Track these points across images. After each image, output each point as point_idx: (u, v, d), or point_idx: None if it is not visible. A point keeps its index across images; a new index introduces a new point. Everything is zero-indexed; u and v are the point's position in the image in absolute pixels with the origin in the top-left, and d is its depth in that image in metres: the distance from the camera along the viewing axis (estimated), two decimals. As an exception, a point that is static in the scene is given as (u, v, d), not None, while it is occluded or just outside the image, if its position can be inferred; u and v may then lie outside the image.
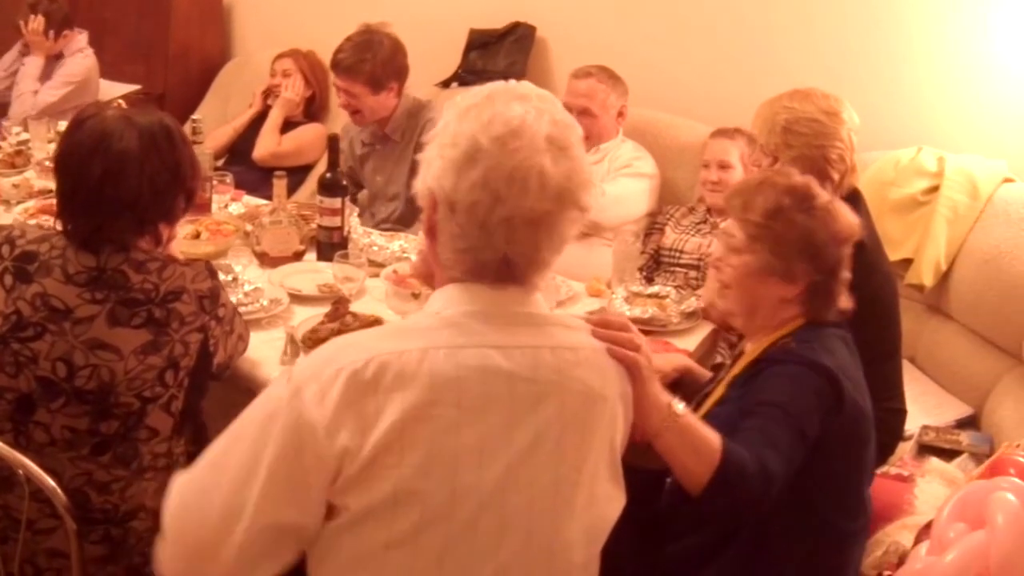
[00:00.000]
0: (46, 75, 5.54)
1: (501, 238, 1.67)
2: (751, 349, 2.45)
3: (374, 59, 4.18)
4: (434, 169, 1.71)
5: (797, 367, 2.28)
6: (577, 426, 1.74)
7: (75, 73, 5.55)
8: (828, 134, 2.96)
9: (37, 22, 5.44)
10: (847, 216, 2.40)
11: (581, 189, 1.70)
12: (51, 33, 5.53)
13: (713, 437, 1.97)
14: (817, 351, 2.31)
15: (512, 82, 1.78)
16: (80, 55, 5.61)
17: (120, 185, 2.37)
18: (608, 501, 1.84)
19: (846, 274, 2.40)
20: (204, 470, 1.72)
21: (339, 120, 5.36)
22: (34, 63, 5.48)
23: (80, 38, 5.64)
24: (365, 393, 1.62)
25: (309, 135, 5.28)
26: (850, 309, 2.45)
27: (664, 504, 2.48)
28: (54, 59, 5.60)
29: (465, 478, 1.65)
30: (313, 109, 5.48)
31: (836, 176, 2.98)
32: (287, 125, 5.29)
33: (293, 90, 5.31)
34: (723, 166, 4.06)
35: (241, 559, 1.67)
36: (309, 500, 1.65)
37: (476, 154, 1.66)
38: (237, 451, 1.68)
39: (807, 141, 2.95)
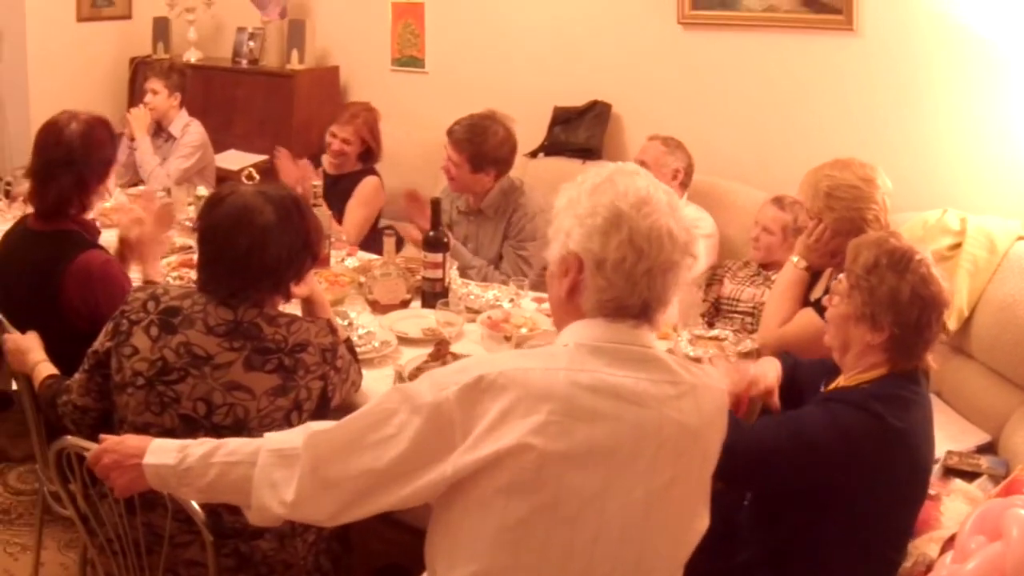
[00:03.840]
0: (158, 150, 5.50)
1: (644, 286, 1.77)
2: (840, 381, 2.47)
3: (482, 143, 4.17)
4: (577, 237, 1.80)
5: (850, 408, 2.31)
6: (671, 450, 1.78)
7: (195, 141, 5.56)
8: (865, 198, 3.01)
9: (157, 99, 5.49)
10: (940, 284, 2.37)
11: (693, 241, 1.83)
12: (175, 95, 5.57)
13: None
14: (884, 401, 2.31)
15: (620, 163, 1.91)
16: (192, 127, 5.61)
17: (264, 255, 2.44)
18: (695, 519, 1.90)
19: (930, 334, 2.37)
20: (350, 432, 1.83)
21: (392, 168, 5.34)
22: (146, 144, 5.43)
23: (183, 113, 5.63)
24: (494, 395, 1.71)
25: (368, 189, 4.85)
26: (934, 368, 2.45)
27: (736, 520, 2.52)
28: (163, 139, 5.57)
29: (572, 478, 1.71)
30: (367, 160, 5.01)
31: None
32: (345, 178, 4.88)
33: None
34: (765, 229, 4.07)
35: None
36: (423, 475, 1.75)
37: (618, 219, 1.76)
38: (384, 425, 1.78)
39: (847, 204, 3.01)
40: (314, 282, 2.95)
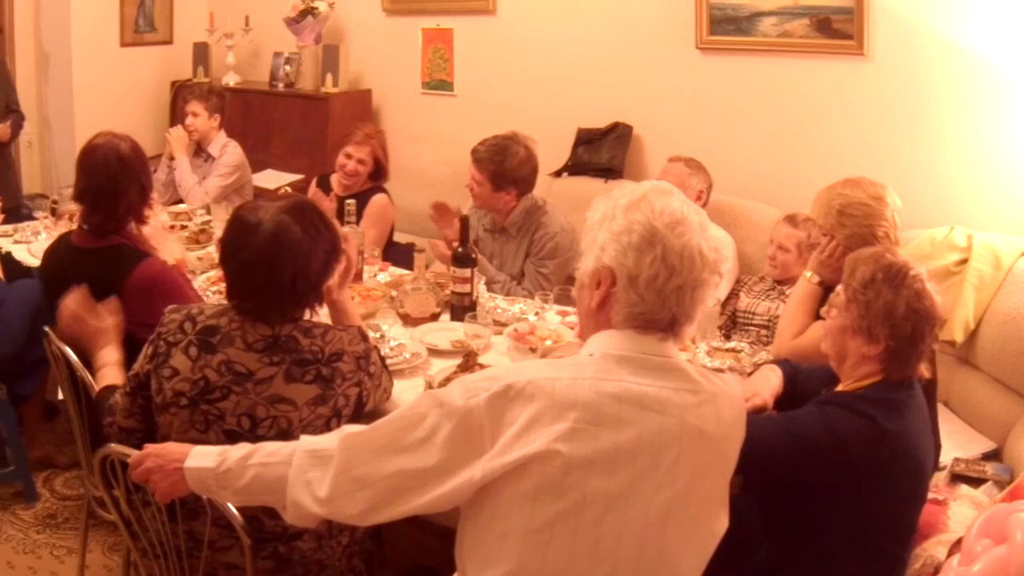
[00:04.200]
0: (197, 169, 5.55)
1: (674, 302, 1.77)
2: (838, 388, 2.47)
3: (502, 163, 4.19)
4: (611, 251, 1.80)
5: (843, 411, 2.33)
6: (691, 455, 1.77)
7: (233, 161, 5.59)
8: (875, 215, 3.01)
9: (198, 120, 5.56)
10: (933, 299, 2.36)
11: (720, 260, 1.82)
12: (215, 117, 5.63)
13: None
14: (876, 404, 2.32)
15: (652, 182, 1.90)
16: (229, 147, 5.64)
17: (307, 275, 2.42)
18: (714, 521, 1.89)
19: (924, 346, 2.37)
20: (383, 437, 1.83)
21: (421, 187, 5.53)
22: (184, 164, 5.47)
23: (221, 134, 5.68)
24: (522, 403, 1.72)
25: (378, 207, 4.84)
26: (926, 377, 2.44)
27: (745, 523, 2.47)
28: (202, 159, 5.63)
29: (596, 484, 1.71)
30: (376, 179, 4.95)
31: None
32: (355, 197, 4.52)
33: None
34: (781, 247, 4.07)
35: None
36: (454, 477, 1.75)
37: (653, 237, 1.76)
38: (416, 429, 1.79)
39: (858, 221, 3.01)
40: (346, 292, 2.95)
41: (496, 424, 1.73)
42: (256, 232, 2.39)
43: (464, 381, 1.81)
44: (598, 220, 1.86)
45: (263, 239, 2.38)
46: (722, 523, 1.91)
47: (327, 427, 2.38)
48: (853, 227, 3.03)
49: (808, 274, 3.18)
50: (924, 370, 2.42)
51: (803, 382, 2.77)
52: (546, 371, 1.77)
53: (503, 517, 1.75)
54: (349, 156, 4.90)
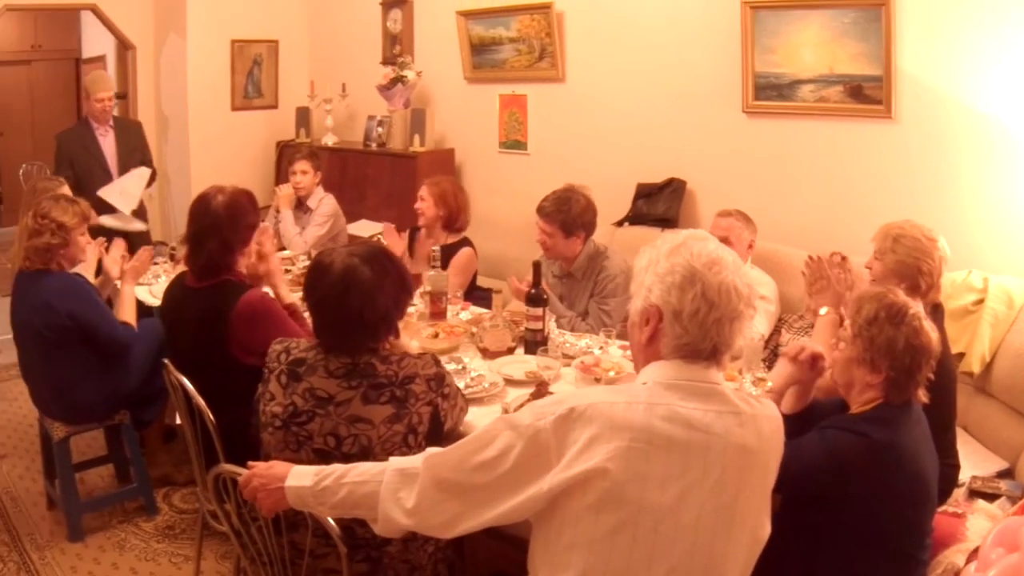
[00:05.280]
0: (298, 221, 5.77)
1: (715, 332, 1.82)
2: (849, 412, 2.49)
3: (568, 211, 4.28)
4: (657, 291, 1.85)
5: (840, 432, 2.39)
6: (735, 470, 1.81)
7: (327, 211, 5.80)
8: (924, 251, 3.09)
9: (306, 178, 5.78)
10: (929, 335, 2.41)
11: (753, 295, 1.88)
12: (317, 174, 5.86)
13: None
14: (871, 422, 2.37)
15: (691, 230, 1.95)
16: (326, 200, 5.85)
17: (375, 308, 2.50)
18: (758, 528, 1.91)
19: (920, 376, 2.41)
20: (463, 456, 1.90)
21: (498, 235, 5.78)
22: (288, 216, 5.71)
23: (319, 188, 5.87)
24: (583, 424, 1.77)
25: (463, 259, 4.95)
26: (924, 403, 2.47)
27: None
28: (302, 211, 5.82)
29: (650, 496, 1.75)
30: (450, 224, 5.04)
31: (923, 286, 3.06)
32: (444, 249, 4.71)
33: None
34: None
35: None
36: (524, 488, 1.82)
37: (693, 277, 1.82)
38: (489, 449, 1.86)
39: (908, 251, 3.09)
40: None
41: (561, 442, 1.78)
42: (329, 272, 2.51)
43: (532, 406, 1.88)
44: (644, 266, 1.92)
45: (334, 277, 2.50)
46: (765, 529, 1.94)
47: (404, 443, 2.45)
48: (903, 254, 3.12)
49: (823, 310, 3.21)
50: (922, 395, 2.48)
51: (817, 412, 2.75)
52: (605, 396, 1.83)
53: (570, 527, 1.80)
54: (423, 197, 5.05)
